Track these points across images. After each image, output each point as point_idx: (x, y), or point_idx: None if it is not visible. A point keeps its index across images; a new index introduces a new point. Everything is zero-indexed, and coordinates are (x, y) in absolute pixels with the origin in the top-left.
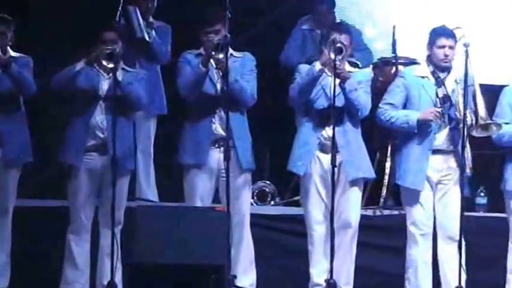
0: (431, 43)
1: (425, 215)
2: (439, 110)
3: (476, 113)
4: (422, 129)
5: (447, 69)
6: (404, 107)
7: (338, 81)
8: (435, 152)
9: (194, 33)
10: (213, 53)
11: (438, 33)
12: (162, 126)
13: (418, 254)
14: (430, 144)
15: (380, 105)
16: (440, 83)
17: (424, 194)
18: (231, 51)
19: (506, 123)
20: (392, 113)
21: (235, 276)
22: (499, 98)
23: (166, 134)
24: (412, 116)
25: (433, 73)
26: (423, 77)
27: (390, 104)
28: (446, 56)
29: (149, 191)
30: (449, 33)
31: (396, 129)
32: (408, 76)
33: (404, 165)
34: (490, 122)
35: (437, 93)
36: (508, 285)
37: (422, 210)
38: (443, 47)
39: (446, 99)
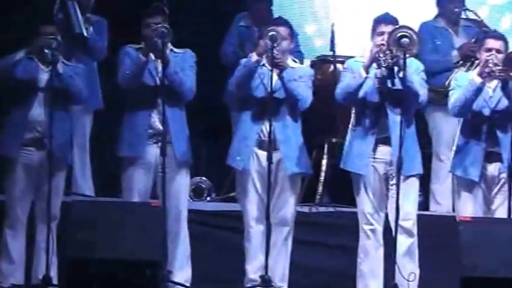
0: (372, 32)
1: (373, 207)
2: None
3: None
4: (368, 113)
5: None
6: None
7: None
8: (383, 141)
9: (130, 28)
10: (156, 39)
11: (378, 20)
12: (98, 121)
13: (369, 244)
14: (376, 130)
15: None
16: (379, 65)
17: (373, 185)
18: (171, 46)
19: None
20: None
21: (170, 272)
22: None
23: (103, 129)
24: (359, 72)
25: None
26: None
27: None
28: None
29: (85, 185)
30: (389, 20)
31: (352, 90)
32: (352, 64)
33: (347, 148)
34: None
35: (376, 75)
36: None
37: (369, 201)
38: (382, 33)
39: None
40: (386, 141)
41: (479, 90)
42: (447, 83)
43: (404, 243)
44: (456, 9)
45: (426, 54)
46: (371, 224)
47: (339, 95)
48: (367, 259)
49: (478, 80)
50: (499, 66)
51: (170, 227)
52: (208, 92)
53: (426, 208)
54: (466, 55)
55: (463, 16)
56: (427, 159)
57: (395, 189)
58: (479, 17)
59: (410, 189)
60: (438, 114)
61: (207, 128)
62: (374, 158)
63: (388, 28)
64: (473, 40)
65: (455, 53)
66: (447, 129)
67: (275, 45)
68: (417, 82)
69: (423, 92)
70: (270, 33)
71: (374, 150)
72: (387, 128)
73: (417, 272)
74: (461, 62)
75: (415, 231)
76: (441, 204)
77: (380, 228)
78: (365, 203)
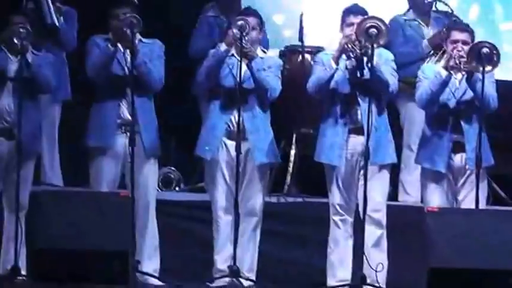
0: (342, 23)
1: (343, 198)
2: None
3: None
4: (339, 104)
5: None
6: None
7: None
8: (355, 131)
9: (100, 18)
10: (125, 29)
11: (347, 11)
12: (67, 112)
13: (339, 234)
14: (348, 120)
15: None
16: (348, 56)
17: (344, 176)
18: (139, 37)
19: None
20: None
21: (139, 262)
22: None
23: (71, 119)
24: (330, 64)
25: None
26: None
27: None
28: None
29: (54, 175)
30: (358, 11)
31: (324, 82)
32: (323, 57)
33: (320, 141)
34: None
35: (346, 66)
36: None
37: (340, 192)
38: (352, 24)
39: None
40: (358, 131)
41: (445, 83)
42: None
43: (373, 234)
44: (427, 1)
45: (397, 46)
46: (342, 215)
47: (311, 88)
48: (337, 249)
49: (444, 72)
50: (464, 58)
51: (139, 217)
52: (178, 82)
53: (395, 198)
54: (437, 45)
55: (434, 8)
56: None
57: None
58: (450, 8)
59: (381, 180)
60: (410, 104)
61: (176, 118)
62: (347, 148)
63: (357, 19)
64: (444, 30)
65: (425, 43)
66: (419, 120)
67: (244, 34)
68: (387, 72)
69: (393, 81)
70: (239, 23)
71: (347, 140)
72: (359, 118)
73: (386, 262)
74: (432, 52)
75: (384, 222)
76: (410, 194)
77: (350, 219)
78: (336, 194)
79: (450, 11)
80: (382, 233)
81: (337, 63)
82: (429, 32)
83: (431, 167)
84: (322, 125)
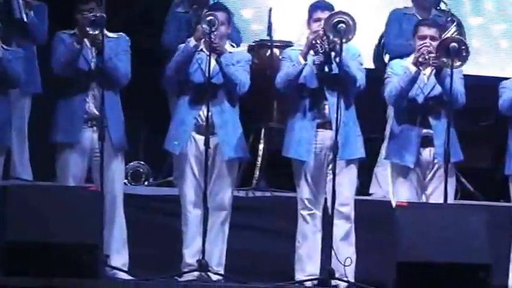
0: (309, 17)
1: (312, 193)
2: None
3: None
4: (307, 99)
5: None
6: None
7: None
8: (323, 126)
9: (67, 12)
10: (88, 29)
11: (315, 7)
12: (36, 106)
13: (307, 228)
14: (316, 115)
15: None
16: (316, 52)
17: (313, 171)
18: (105, 31)
19: None
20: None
21: (108, 256)
22: None
23: (41, 113)
24: (298, 59)
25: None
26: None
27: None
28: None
29: (23, 169)
30: (325, 6)
31: (293, 78)
32: (290, 53)
33: (287, 136)
34: None
35: (314, 61)
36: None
37: (309, 186)
38: (319, 19)
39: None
40: (326, 126)
41: (414, 79)
42: None
43: (342, 228)
44: None
45: (391, 38)
46: (310, 209)
47: (279, 84)
48: (305, 244)
49: (413, 69)
50: (432, 53)
51: (106, 211)
52: (146, 76)
53: (366, 192)
54: None
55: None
56: (375, 143)
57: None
58: (447, 6)
59: (349, 175)
60: None
61: (146, 113)
62: (315, 143)
63: (324, 14)
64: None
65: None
66: None
67: (213, 29)
68: (355, 67)
69: (360, 76)
70: (208, 18)
71: (315, 135)
72: (327, 113)
73: (354, 257)
74: None
75: (352, 216)
76: (382, 187)
77: (318, 213)
78: (304, 188)
79: (447, 9)
80: (350, 227)
81: (305, 59)
82: None
83: (400, 162)
84: (290, 120)
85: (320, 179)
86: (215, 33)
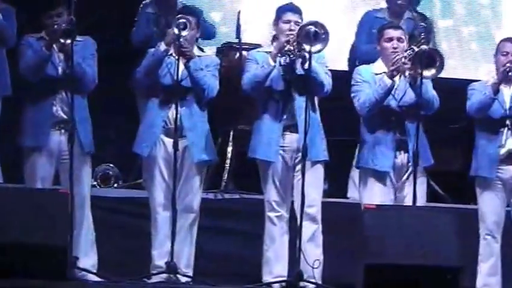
0: (277, 18)
1: (279, 195)
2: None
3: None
4: (274, 101)
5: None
6: None
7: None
8: (290, 128)
9: (35, 15)
10: (61, 40)
11: (285, 8)
12: (6, 108)
13: (275, 232)
14: (283, 117)
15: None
16: (283, 54)
17: (280, 173)
18: None
19: None
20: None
21: (77, 258)
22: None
23: (10, 115)
24: (267, 61)
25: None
26: (267, 52)
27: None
28: (291, 30)
29: None
30: (295, 9)
31: (261, 80)
32: (256, 55)
33: (255, 137)
34: None
35: (280, 63)
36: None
37: (276, 188)
38: (289, 21)
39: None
40: (293, 128)
41: (389, 91)
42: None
43: (309, 229)
44: (399, 1)
45: (360, 42)
46: (277, 211)
47: (246, 85)
48: (273, 246)
49: (388, 81)
50: (407, 64)
51: (75, 213)
52: (114, 78)
53: (341, 195)
54: None
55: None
56: (348, 147)
57: (301, 176)
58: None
59: (315, 176)
60: None
61: (114, 115)
62: (282, 145)
63: (295, 17)
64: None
65: None
66: None
67: (183, 34)
68: (322, 72)
69: (327, 81)
70: (178, 22)
71: (282, 137)
72: (294, 115)
73: (321, 257)
74: None
75: (319, 217)
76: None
77: (285, 215)
78: (271, 190)
79: (420, 14)
80: (317, 228)
81: (275, 61)
82: None
83: (377, 168)
84: (256, 122)
85: (287, 181)
86: (185, 38)
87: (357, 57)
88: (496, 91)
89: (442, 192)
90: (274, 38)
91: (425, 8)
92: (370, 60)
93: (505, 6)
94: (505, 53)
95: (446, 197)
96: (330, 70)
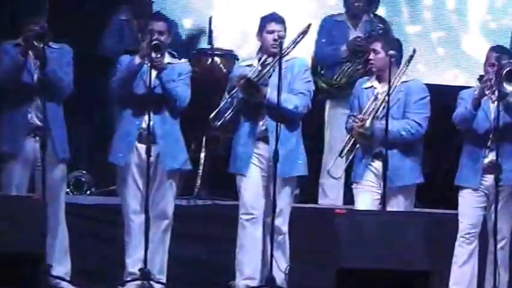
0: (261, 29)
1: (253, 201)
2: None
3: None
4: (250, 115)
5: (274, 55)
6: None
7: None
8: (263, 139)
9: (11, 23)
10: (35, 42)
11: (269, 18)
12: None
13: (247, 236)
14: (256, 130)
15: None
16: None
17: (254, 181)
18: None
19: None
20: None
21: (50, 266)
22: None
23: None
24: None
25: (259, 60)
26: (249, 65)
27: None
28: (275, 40)
29: None
30: (278, 19)
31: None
32: (236, 67)
33: (232, 150)
34: None
35: None
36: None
37: (250, 195)
38: (273, 32)
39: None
40: (265, 139)
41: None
42: (335, 76)
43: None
44: (356, 4)
45: (320, 47)
46: (250, 217)
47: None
48: (245, 250)
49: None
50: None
51: (49, 220)
52: (89, 86)
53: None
54: (353, 50)
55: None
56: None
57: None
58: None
59: (286, 190)
60: (333, 107)
61: (86, 122)
62: (256, 155)
63: (278, 27)
64: (365, 35)
65: (344, 47)
66: (341, 122)
67: (158, 55)
68: (291, 100)
69: (301, 103)
70: (154, 43)
71: (255, 147)
72: (267, 125)
73: (287, 265)
74: (350, 56)
75: (285, 228)
76: (329, 196)
77: (259, 220)
78: (245, 197)
79: (379, 16)
80: (283, 238)
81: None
82: (356, 35)
83: (361, 181)
84: (234, 135)
85: (259, 190)
86: (158, 54)
87: (318, 61)
88: (477, 106)
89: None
90: (260, 50)
91: (392, 14)
92: (332, 63)
93: (471, 11)
94: (491, 64)
95: (415, 202)
96: None
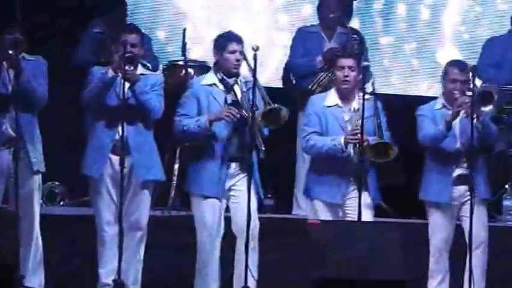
0: (221, 49)
1: (213, 217)
2: (233, 109)
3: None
4: (216, 137)
5: (236, 75)
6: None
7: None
8: (233, 159)
9: None
10: (10, 51)
11: (229, 38)
12: None
13: (207, 254)
14: (223, 152)
15: (174, 118)
16: (229, 88)
17: (214, 200)
18: (23, 54)
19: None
20: (185, 121)
21: (23, 277)
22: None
23: None
24: (202, 119)
25: (221, 80)
26: (211, 85)
27: (183, 114)
28: (237, 61)
29: None
30: (239, 39)
31: (192, 135)
32: (196, 86)
33: (195, 172)
34: None
35: (226, 100)
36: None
37: (209, 212)
38: (234, 52)
39: (235, 105)
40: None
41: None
42: (310, 86)
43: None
44: (331, 15)
45: (295, 57)
46: (209, 231)
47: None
48: (206, 263)
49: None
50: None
51: (23, 232)
52: (63, 97)
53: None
54: (330, 60)
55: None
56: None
57: (236, 198)
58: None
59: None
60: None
61: (59, 132)
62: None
63: (239, 47)
64: (341, 46)
65: (319, 58)
66: None
67: (132, 68)
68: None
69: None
70: (127, 56)
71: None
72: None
73: (256, 275)
74: (325, 66)
75: (256, 245)
76: (302, 207)
77: (219, 234)
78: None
79: (352, 28)
80: (253, 247)
81: None
82: (330, 46)
83: (325, 199)
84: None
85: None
86: (131, 67)
87: (292, 71)
88: (450, 127)
89: (385, 206)
90: (216, 65)
91: (366, 26)
92: (306, 74)
93: (445, 23)
94: (452, 80)
95: (390, 212)
96: (269, 88)
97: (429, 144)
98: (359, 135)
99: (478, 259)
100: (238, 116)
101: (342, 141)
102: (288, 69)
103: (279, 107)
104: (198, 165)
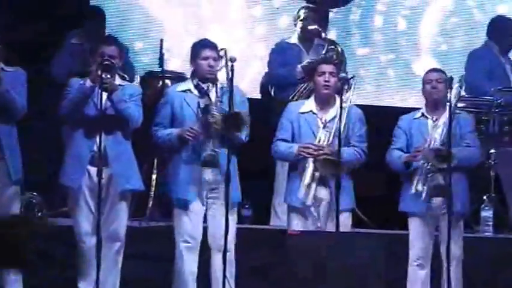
0: (195, 56)
1: (192, 228)
2: (196, 130)
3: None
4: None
5: (211, 81)
6: (173, 123)
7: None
8: (206, 164)
9: None
10: None
11: (202, 45)
12: None
13: (184, 265)
14: (198, 156)
15: (152, 126)
16: (203, 94)
17: (193, 207)
18: (2, 65)
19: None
20: (159, 133)
21: (1, 287)
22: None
23: None
24: (173, 133)
25: (196, 86)
26: (185, 91)
27: (158, 123)
28: (211, 67)
29: None
30: (213, 45)
31: (164, 146)
32: (171, 93)
33: (173, 178)
34: None
35: (199, 104)
36: None
37: (189, 222)
38: (207, 58)
39: (209, 109)
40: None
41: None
42: (291, 97)
43: (219, 261)
44: (309, 27)
45: (275, 67)
46: (188, 242)
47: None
48: (182, 277)
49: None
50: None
51: None
52: (41, 108)
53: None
54: (308, 71)
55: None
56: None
57: (214, 210)
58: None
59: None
60: None
61: (36, 143)
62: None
63: (213, 53)
64: (320, 58)
65: (299, 68)
66: None
67: (109, 76)
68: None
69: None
70: (105, 63)
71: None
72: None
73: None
74: (305, 77)
75: (232, 258)
76: (281, 218)
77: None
78: (186, 221)
79: (329, 39)
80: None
81: None
82: (308, 57)
83: (298, 205)
84: (172, 163)
85: (199, 213)
86: (108, 76)
87: (272, 82)
88: (409, 166)
89: (364, 217)
90: (194, 75)
91: (343, 37)
92: (285, 84)
93: (422, 33)
94: (429, 81)
95: (369, 222)
96: (249, 99)
97: (394, 169)
98: (312, 149)
99: (452, 273)
100: (199, 138)
101: (295, 151)
102: (266, 81)
103: (239, 111)
104: (173, 170)
